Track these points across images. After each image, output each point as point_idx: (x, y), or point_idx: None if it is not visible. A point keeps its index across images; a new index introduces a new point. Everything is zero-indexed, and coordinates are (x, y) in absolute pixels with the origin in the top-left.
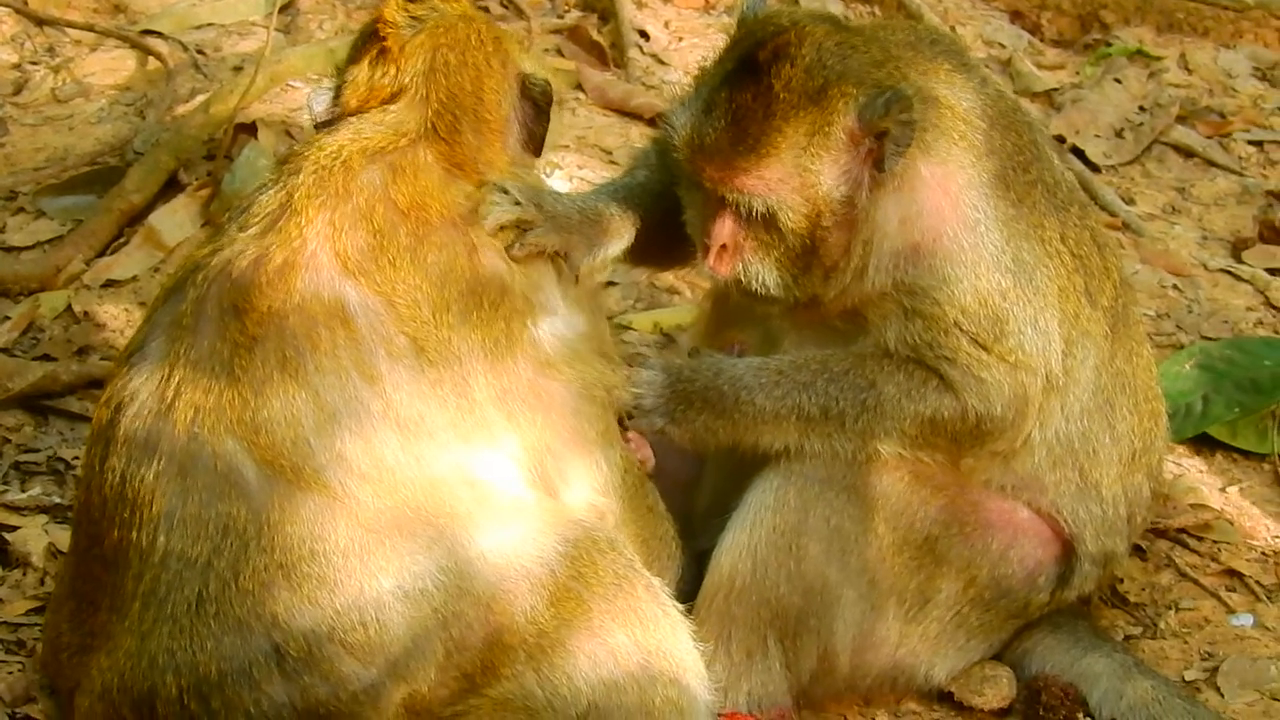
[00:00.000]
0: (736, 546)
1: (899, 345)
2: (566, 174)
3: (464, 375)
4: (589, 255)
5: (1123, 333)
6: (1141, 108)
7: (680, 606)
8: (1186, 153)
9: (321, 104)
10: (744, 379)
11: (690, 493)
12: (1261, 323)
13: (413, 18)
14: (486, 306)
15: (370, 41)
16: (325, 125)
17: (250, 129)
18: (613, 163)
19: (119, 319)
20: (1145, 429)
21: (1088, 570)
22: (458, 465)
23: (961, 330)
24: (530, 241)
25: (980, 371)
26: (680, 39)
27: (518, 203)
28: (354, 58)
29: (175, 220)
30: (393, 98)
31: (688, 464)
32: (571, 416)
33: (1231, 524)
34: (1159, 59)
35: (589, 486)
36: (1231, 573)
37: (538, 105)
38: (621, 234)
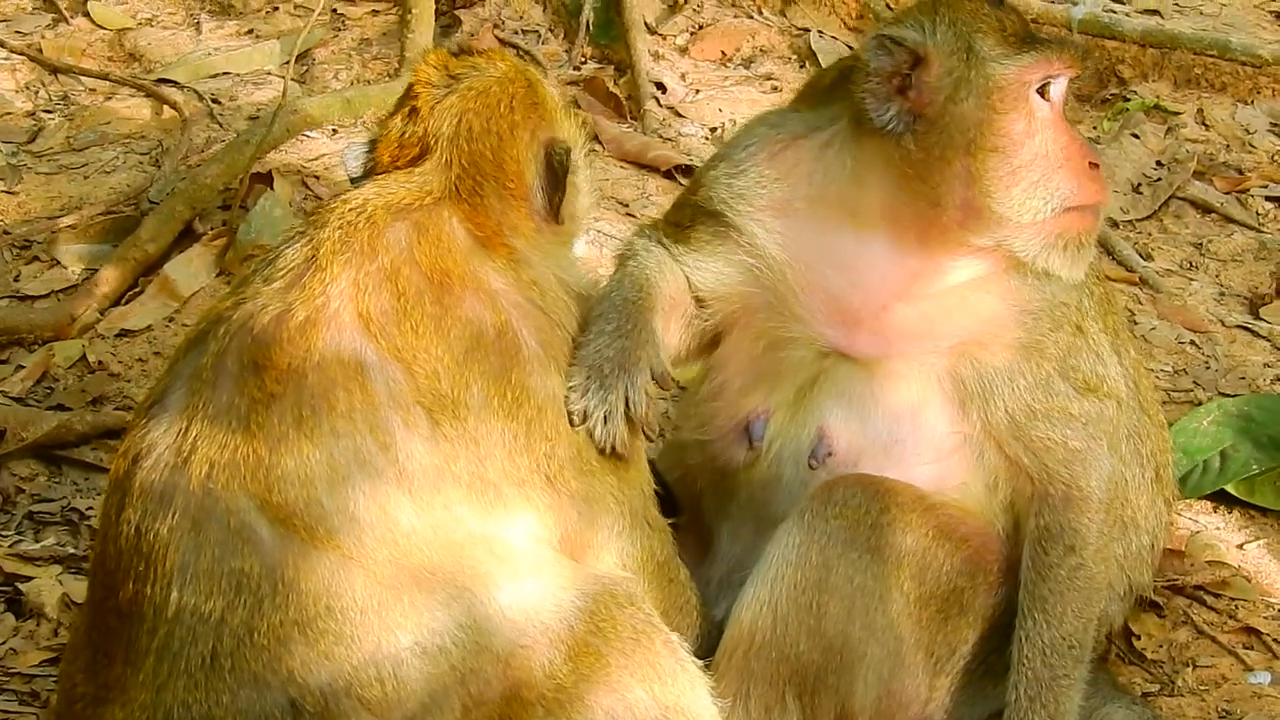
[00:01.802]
0: (757, 602)
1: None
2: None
3: (479, 457)
4: (658, 359)
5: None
6: (1159, 163)
7: (699, 662)
8: (1204, 208)
9: (356, 158)
10: None
11: (700, 566)
12: (1279, 379)
13: (450, 76)
14: (509, 399)
15: (407, 97)
16: (360, 180)
17: (266, 179)
18: (629, 215)
19: (133, 369)
20: (1159, 440)
21: (1115, 610)
22: (473, 533)
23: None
24: (639, 408)
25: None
26: (697, 91)
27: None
28: (394, 111)
29: (190, 270)
30: (420, 157)
31: (696, 536)
32: (590, 515)
33: (1249, 581)
34: (1177, 114)
35: (611, 564)
36: (1249, 630)
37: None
38: (662, 305)
